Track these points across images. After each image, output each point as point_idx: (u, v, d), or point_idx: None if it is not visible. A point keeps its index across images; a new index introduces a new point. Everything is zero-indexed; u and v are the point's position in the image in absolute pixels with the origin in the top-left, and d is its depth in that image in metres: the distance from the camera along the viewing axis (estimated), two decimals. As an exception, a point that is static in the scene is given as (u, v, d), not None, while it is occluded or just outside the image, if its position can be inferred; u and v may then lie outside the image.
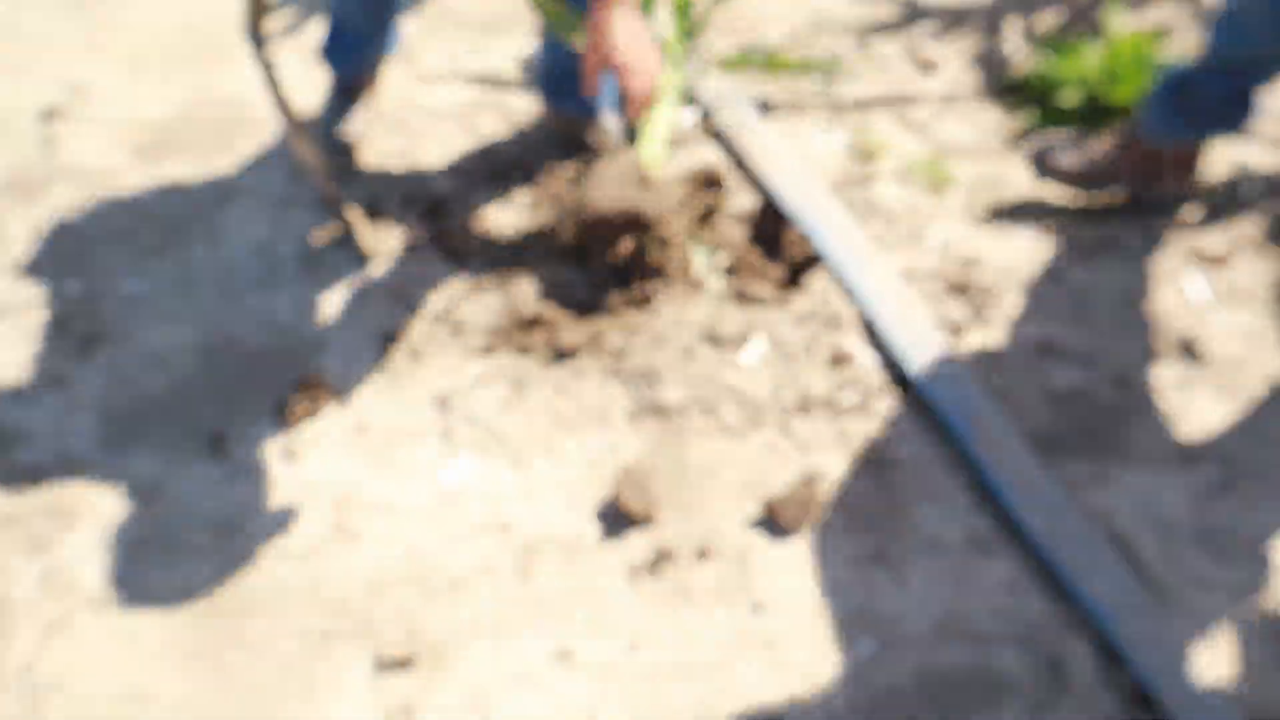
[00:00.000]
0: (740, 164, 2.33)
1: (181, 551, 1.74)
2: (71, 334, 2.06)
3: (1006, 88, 2.46)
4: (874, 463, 1.80)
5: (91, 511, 1.79)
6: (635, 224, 2.00)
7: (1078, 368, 1.92)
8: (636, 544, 1.72)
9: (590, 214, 2.01)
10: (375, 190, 2.30)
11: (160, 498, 1.81)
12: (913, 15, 2.71)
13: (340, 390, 1.94)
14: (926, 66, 2.56)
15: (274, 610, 1.66)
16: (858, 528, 1.73)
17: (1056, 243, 2.12)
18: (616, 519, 1.73)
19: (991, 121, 2.41)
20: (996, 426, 1.79)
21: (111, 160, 2.43)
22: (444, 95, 2.55)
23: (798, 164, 2.25)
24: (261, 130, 2.48)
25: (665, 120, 2.25)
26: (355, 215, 2.18)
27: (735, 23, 2.71)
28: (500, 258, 2.15)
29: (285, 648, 1.62)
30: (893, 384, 1.91)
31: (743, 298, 2.04)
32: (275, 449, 1.86)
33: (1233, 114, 2.03)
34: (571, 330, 1.99)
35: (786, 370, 1.93)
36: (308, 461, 1.85)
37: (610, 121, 2.34)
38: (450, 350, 2.01)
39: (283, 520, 1.77)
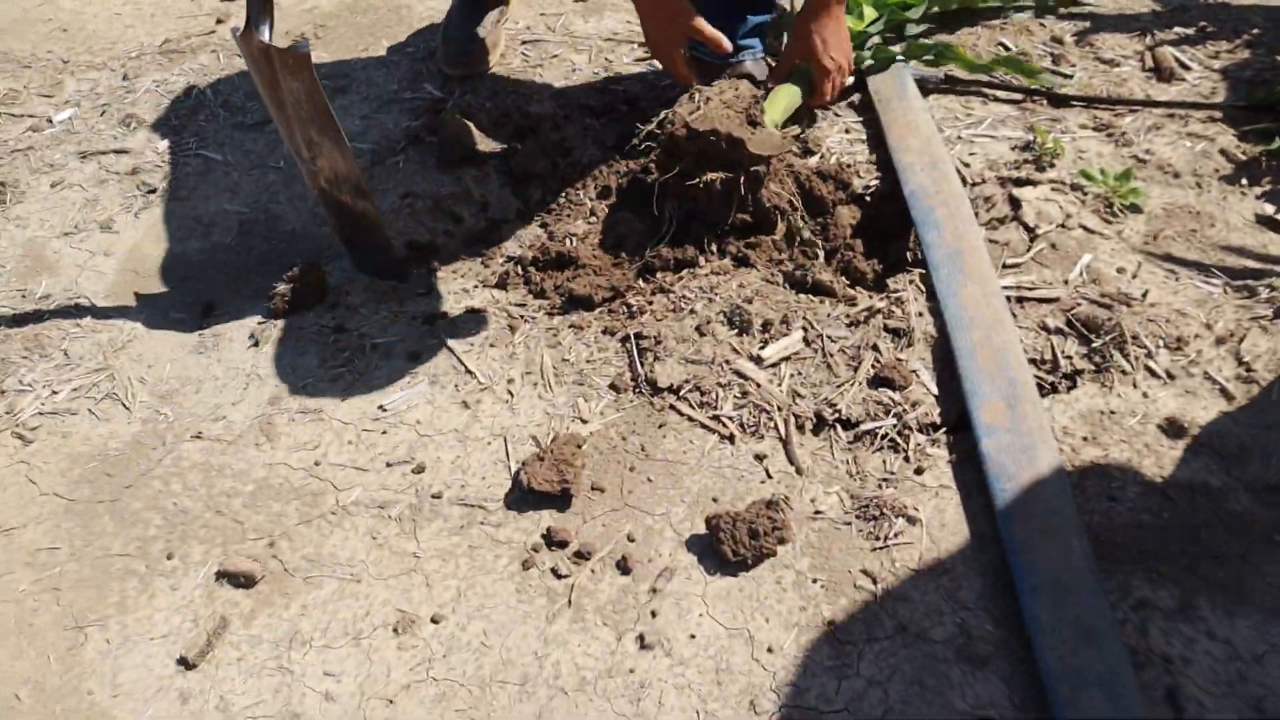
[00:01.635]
0: (878, 141, 1.93)
1: (117, 406, 1.64)
2: (140, 186, 2.04)
3: (1255, 106, 1.87)
4: (878, 511, 1.37)
5: (59, 351, 1.73)
6: (730, 153, 1.65)
7: (1215, 461, 1.37)
8: (545, 528, 1.40)
9: (683, 129, 1.67)
10: (476, 100, 2.13)
11: (125, 353, 1.72)
12: (1171, 15, 2.16)
13: (340, 288, 1.78)
14: (1163, 72, 2.01)
15: (161, 487, 1.51)
16: (820, 584, 1.31)
17: (1249, 304, 1.56)
18: (536, 493, 1.43)
19: (1221, 145, 1.84)
20: (1054, 509, 1.30)
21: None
22: (593, 24, 2.33)
23: (937, 147, 1.82)
24: (403, 32, 2.40)
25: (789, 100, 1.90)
26: (453, 120, 2.01)
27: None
28: (565, 189, 1.90)
29: (151, 529, 1.46)
30: (947, 426, 1.46)
31: (797, 282, 1.66)
32: (247, 332, 1.73)
33: None
34: (594, 279, 1.70)
35: (817, 376, 1.53)
36: (269, 351, 1.69)
37: (751, 69, 2.02)
38: (468, 275, 1.79)
39: (216, 404, 1.62)
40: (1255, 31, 2.09)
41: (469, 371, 1.62)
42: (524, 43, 2.31)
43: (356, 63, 2.33)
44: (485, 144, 2.00)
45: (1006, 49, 2.12)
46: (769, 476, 1.44)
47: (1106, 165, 1.80)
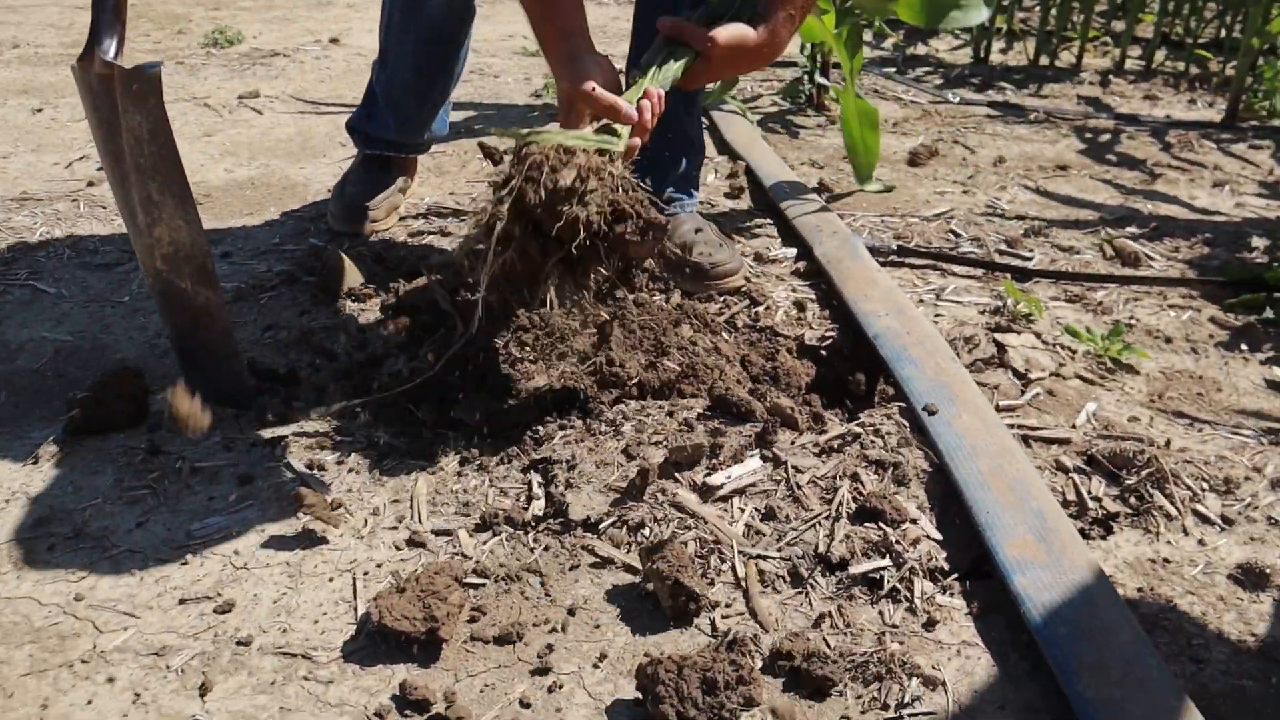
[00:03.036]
0: (829, 300, 1.70)
1: None
2: (-59, 310, 1.67)
3: (1234, 282, 1.72)
4: (882, 669, 0.96)
5: None
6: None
7: (1317, 617, 1.03)
8: (398, 685, 0.95)
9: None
10: (368, 248, 1.86)
11: None
12: (1119, 220, 2.07)
13: (165, 413, 1.38)
14: (1127, 258, 1.87)
15: None
16: (807, 765, 0.88)
17: (1297, 453, 1.29)
18: (390, 636, 0.99)
19: (1209, 314, 1.66)
20: (1134, 659, 0.92)
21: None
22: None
23: (901, 298, 1.59)
24: (288, 204, 2.16)
25: None
26: (337, 255, 1.74)
27: (890, 202, 2.19)
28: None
29: None
30: (958, 574, 1.10)
31: (748, 416, 1.34)
32: (28, 449, 1.30)
33: None
34: (491, 404, 1.35)
35: (782, 509, 1.17)
36: (50, 470, 1.26)
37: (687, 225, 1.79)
38: (335, 406, 1.42)
39: (-46, 525, 1.16)
40: (1208, 236, 1.99)
41: (323, 498, 1.20)
42: (428, 210, 2.09)
43: (237, 224, 2.06)
44: (372, 284, 1.71)
45: (956, 234, 1.97)
46: (726, 636, 1.03)
47: (1091, 327, 1.59)
